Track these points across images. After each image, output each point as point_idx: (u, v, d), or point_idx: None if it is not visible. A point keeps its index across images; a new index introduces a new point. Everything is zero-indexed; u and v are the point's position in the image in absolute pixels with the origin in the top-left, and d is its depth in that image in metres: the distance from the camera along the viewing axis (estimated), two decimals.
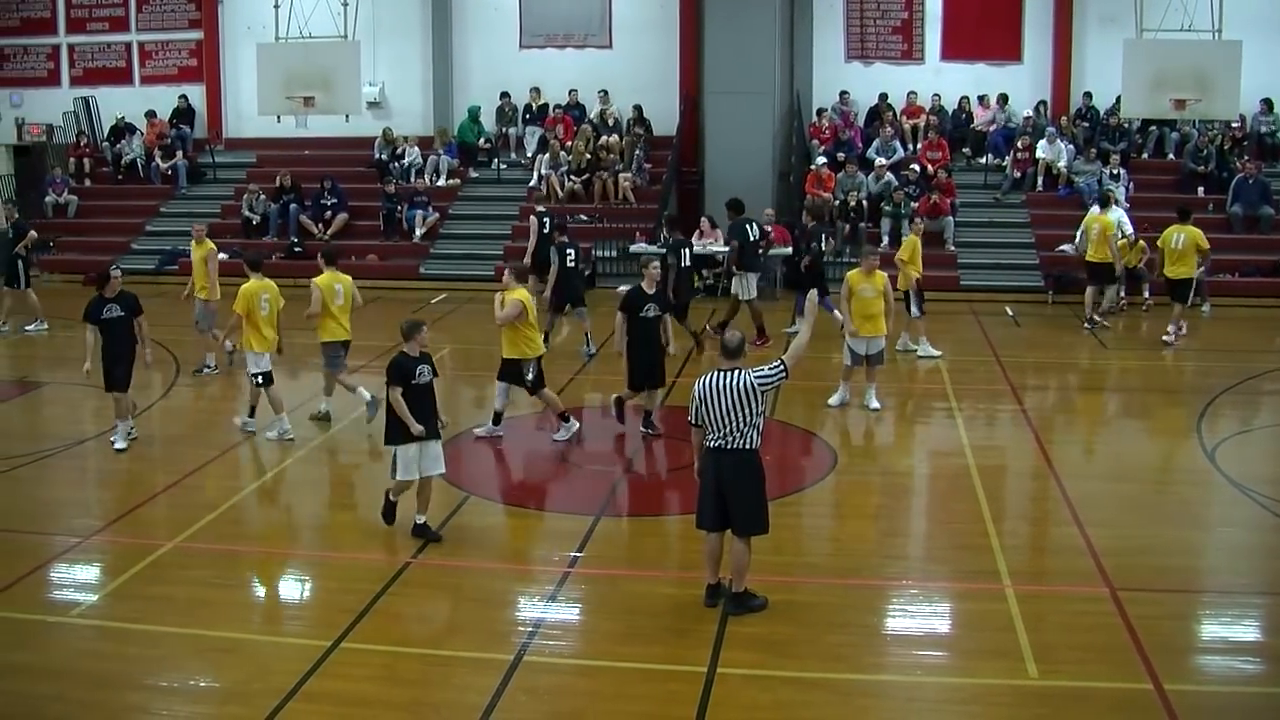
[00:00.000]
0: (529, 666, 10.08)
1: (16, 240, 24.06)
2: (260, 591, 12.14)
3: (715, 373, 10.79)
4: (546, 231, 23.70)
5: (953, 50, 31.11)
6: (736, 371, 10.75)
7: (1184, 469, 15.60)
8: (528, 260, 23.13)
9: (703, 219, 27.35)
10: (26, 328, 23.55)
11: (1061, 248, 26.57)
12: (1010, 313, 24.77)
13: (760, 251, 23.30)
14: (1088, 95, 30.38)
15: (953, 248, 27.63)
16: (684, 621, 10.91)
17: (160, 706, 9.62)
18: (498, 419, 16.44)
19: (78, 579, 12.15)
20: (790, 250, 24.92)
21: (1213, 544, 13.38)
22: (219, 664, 10.20)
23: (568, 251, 21.47)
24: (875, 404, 17.90)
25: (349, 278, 17.38)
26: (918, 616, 11.32)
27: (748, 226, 22.73)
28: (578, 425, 16.44)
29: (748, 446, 10.75)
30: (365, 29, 27.35)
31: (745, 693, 9.65)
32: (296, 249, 29.25)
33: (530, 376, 16.03)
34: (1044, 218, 28.23)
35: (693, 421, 10.95)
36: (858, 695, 9.79)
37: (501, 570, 12.32)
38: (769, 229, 25.12)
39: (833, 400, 18.06)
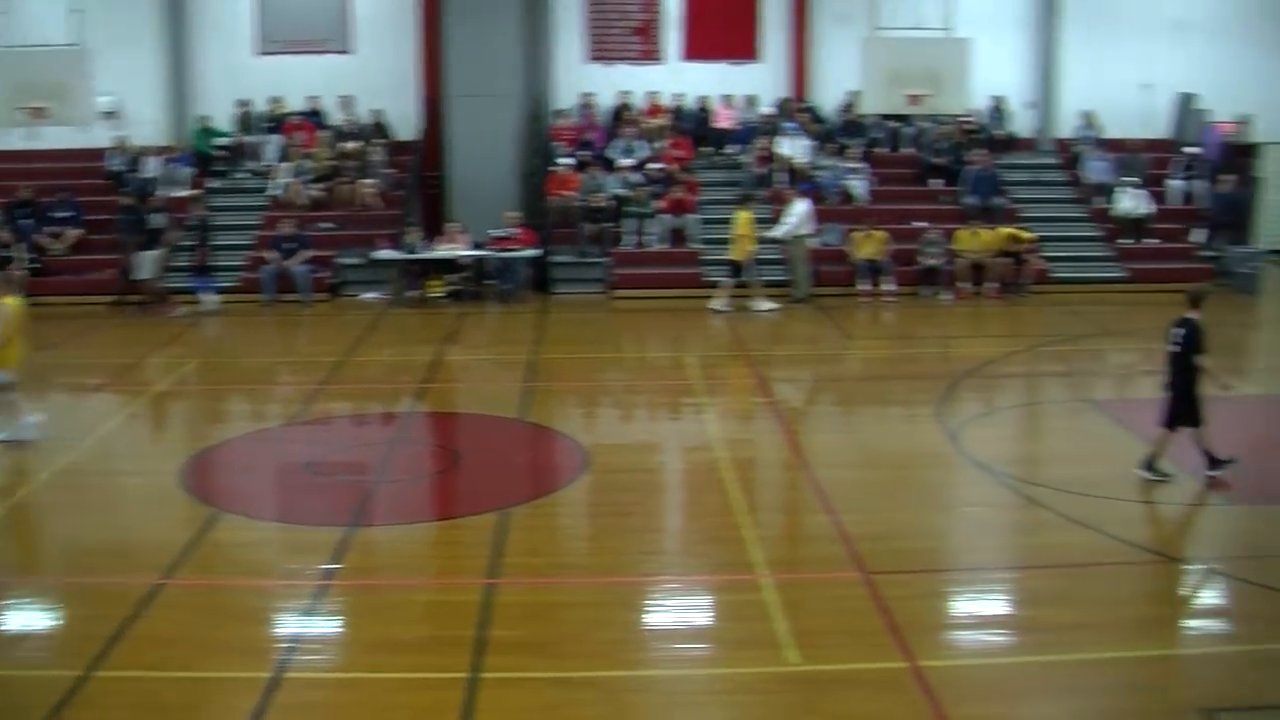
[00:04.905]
0: (290, 683, 9.84)
1: None
2: (3, 624, 11.56)
3: None
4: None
5: (693, 50, 31.50)
6: None
7: (927, 453, 15.92)
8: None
9: (449, 223, 27.34)
10: None
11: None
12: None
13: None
14: (798, 100, 31.33)
15: (697, 245, 27.87)
16: (443, 628, 10.82)
17: None
18: None
19: None
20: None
21: (957, 524, 13.82)
22: None
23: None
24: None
25: None
26: (677, 610, 11.44)
27: (145, 218, 26.71)
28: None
29: None
30: (97, 37, 26.43)
31: (511, 696, 9.59)
32: (35, 264, 27.87)
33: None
34: None
35: None
36: (624, 692, 9.81)
37: (257, 586, 11.98)
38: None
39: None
